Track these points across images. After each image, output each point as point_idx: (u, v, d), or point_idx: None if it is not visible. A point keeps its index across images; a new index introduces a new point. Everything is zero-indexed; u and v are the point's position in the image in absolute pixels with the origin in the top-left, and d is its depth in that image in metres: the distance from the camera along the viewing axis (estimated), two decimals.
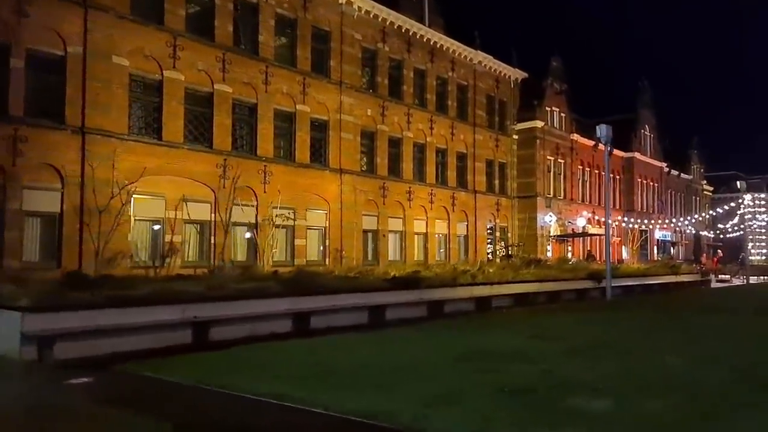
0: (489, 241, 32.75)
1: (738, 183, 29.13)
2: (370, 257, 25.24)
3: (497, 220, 33.09)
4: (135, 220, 17.35)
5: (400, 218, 26.84)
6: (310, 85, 22.63)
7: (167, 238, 17.75)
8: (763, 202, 40.23)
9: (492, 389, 5.14)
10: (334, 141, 23.60)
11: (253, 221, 20.38)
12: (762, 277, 35.59)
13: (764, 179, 75.00)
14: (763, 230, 41.16)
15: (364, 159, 25.67)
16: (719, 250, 45.48)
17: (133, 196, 17.19)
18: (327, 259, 22.90)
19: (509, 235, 33.91)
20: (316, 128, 23.26)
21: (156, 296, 7.96)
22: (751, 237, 40.54)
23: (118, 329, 7.16)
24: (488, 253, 32.23)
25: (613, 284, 19.28)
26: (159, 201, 17.88)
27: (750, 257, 39.36)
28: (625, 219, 42.53)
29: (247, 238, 20.52)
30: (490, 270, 15.93)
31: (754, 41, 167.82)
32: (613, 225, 41.63)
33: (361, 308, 10.60)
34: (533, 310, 12.91)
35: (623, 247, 43.63)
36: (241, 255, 20.36)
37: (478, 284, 13.57)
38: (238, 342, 7.86)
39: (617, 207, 43.23)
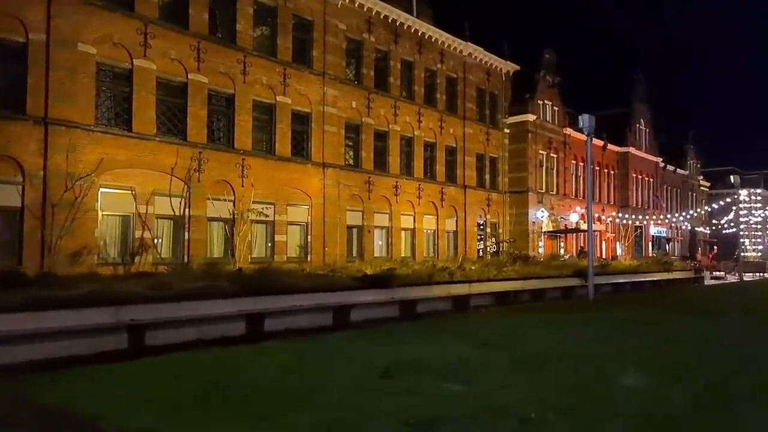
0: (479, 237, 32.10)
1: (732, 177, 28.45)
2: (354, 253, 24.58)
3: (488, 216, 32.43)
4: (103, 214, 16.65)
5: (386, 213, 26.16)
6: (291, 75, 21.90)
7: (137, 234, 17.13)
8: (759, 198, 39.56)
9: (394, 421, 4.21)
10: (316, 134, 22.89)
11: (230, 216, 19.71)
12: (758, 274, 35.03)
13: (762, 175, 74.54)
14: (759, 226, 40.51)
15: (349, 153, 24.96)
16: (714, 247, 44.88)
17: (101, 189, 16.54)
18: (309, 256, 22.22)
19: (500, 231, 33.27)
20: (297, 120, 22.54)
21: (89, 297, 7.28)
22: (746, 233, 39.91)
23: (35, 334, 6.50)
24: (479, 250, 31.62)
25: (602, 282, 18.67)
26: (129, 195, 17.17)
27: (745, 254, 38.76)
28: (620, 215, 41.94)
29: (226, 234, 19.82)
30: (472, 267, 15.28)
31: (753, 35, 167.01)
32: (607, 221, 41.05)
33: (325, 309, 9.96)
34: (510, 310, 12.27)
35: (617, 243, 43.05)
36: (217, 252, 19.67)
37: (455, 282, 12.93)
38: (178, 347, 7.21)
39: (612, 203, 42.64)
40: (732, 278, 32.35)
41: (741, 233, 40.75)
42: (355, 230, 24.96)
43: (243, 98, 20.27)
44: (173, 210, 17.99)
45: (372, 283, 11.00)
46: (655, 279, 21.72)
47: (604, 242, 41.38)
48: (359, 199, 24.74)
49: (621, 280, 19.39)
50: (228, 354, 6.64)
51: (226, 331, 8.33)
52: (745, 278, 32.19)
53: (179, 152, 18.33)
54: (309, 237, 22.44)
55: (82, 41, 16.27)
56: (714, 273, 31.14)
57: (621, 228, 42.64)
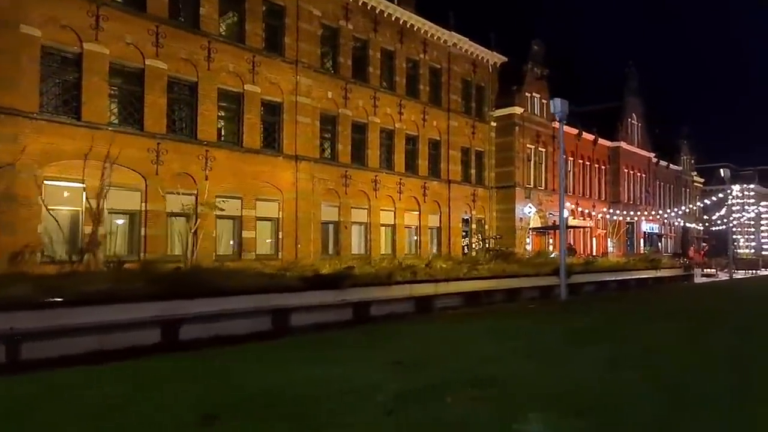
0: (464, 233, 31.09)
1: (722, 171, 27.46)
2: (330, 251, 23.53)
3: (473, 212, 31.41)
4: (48, 209, 15.52)
5: (365, 209, 25.10)
6: (261, 63, 20.78)
7: (88, 230, 16.00)
8: (752, 193, 38.65)
9: None
10: (289, 125, 21.79)
11: (193, 211, 18.61)
12: (750, 272, 34.12)
13: (756, 171, 73.75)
14: (753, 222, 39.60)
15: (325, 145, 23.88)
16: (704, 243, 43.95)
17: (45, 182, 15.44)
18: (280, 253, 21.15)
19: (486, 227, 32.27)
20: (268, 111, 21.45)
21: None
22: (739, 230, 39.01)
23: None
24: (464, 246, 30.61)
25: (584, 280, 17.67)
26: (78, 188, 16.07)
27: (738, 250, 37.84)
28: (611, 211, 40.94)
29: (193, 231, 18.72)
30: (443, 265, 14.25)
31: (748, 29, 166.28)
32: (598, 217, 40.08)
33: (263, 313, 8.91)
34: (472, 313, 11.23)
35: (608, 239, 42.08)
36: (178, 249, 18.52)
37: (419, 282, 11.90)
38: (67, 361, 6.16)
39: (603, 198, 41.64)
40: (724, 276, 31.41)
41: (734, 230, 39.87)
42: (331, 226, 23.91)
43: (207, 86, 19.16)
44: (129, 205, 16.96)
45: (320, 284, 9.96)
46: (642, 277, 20.72)
47: (594, 239, 40.41)
48: (335, 193, 23.68)
49: (605, 278, 18.38)
50: (93, 374, 5.40)
51: (137, 340, 7.29)
52: (737, 276, 31.27)
53: (135, 143, 17.24)
54: (280, 233, 21.37)
55: (26, 23, 15.14)
56: (705, 270, 30.21)
57: (611, 224, 41.70)
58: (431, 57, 28.87)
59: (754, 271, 33.93)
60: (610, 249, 41.48)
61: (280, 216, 21.41)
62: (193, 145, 18.73)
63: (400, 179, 26.66)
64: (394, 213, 26.44)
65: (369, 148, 25.39)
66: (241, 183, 20.05)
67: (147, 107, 17.62)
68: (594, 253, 37.72)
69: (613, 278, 19.13)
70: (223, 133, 20.02)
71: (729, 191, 38.73)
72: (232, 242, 20.06)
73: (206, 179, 18.89)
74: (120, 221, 17.39)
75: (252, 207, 20.45)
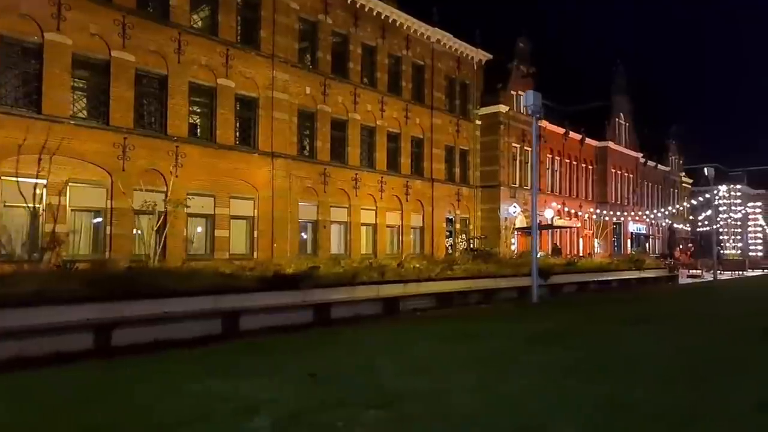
0: (448, 233, 30.60)
1: (706, 170, 27.14)
2: (309, 250, 22.96)
3: (457, 211, 30.93)
4: (5, 206, 14.86)
5: (345, 208, 24.54)
6: (236, 57, 20.18)
7: (49, 228, 15.35)
8: (739, 194, 38.48)
9: None
10: (264, 121, 21.19)
11: (155, 209, 17.97)
12: (737, 273, 33.89)
13: (745, 172, 73.92)
14: (739, 223, 39.45)
15: (303, 142, 23.30)
16: (690, 244, 43.73)
17: (2, 177, 14.76)
18: (255, 253, 20.54)
19: (471, 227, 31.80)
20: (242, 106, 20.86)
21: None
22: (725, 230, 38.83)
23: None
24: (448, 246, 30.12)
25: (564, 281, 17.22)
26: (38, 184, 15.37)
27: (724, 251, 37.65)
28: (598, 211, 40.65)
29: (155, 230, 18.08)
30: (417, 265, 13.74)
31: (741, 28, 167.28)
32: (585, 217, 39.77)
33: (213, 315, 8.34)
34: (437, 315, 10.71)
35: (595, 240, 41.79)
36: (146, 248, 17.90)
37: (387, 282, 11.37)
38: None
39: (590, 198, 41.36)
40: (710, 276, 31.12)
41: (720, 231, 39.68)
42: (309, 225, 23.33)
43: (178, 80, 18.53)
44: (94, 202, 16.30)
45: (279, 284, 9.40)
46: (624, 278, 20.31)
47: (581, 239, 40.10)
48: (314, 191, 23.09)
49: (586, 279, 17.94)
50: None
51: (66, 345, 6.70)
52: (722, 277, 31.01)
53: (100, 137, 16.59)
54: (255, 232, 20.75)
55: None
56: (691, 271, 29.87)
57: (597, 224, 41.43)
58: (414, 53, 28.36)
59: (740, 273, 33.67)
60: (596, 249, 41.21)
61: (256, 214, 20.81)
62: (163, 140, 18.09)
63: (382, 178, 26.12)
64: (376, 212, 25.90)
65: (349, 146, 24.84)
66: (214, 180, 19.44)
67: (113, 101, 16.97)
68: (581, 254, 37.39)
69: (595, 279, 18.69)
70: (194, 129, 19.38)
71: (716, 192, 38.48)
72: (204, 241, 19.42)
73: (176, 176, 18.23)
74: (95, 220, 16.74)
75: (226, 205, 19.84)
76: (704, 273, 31.44)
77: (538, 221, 33.92)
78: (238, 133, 20.64)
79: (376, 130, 26.11)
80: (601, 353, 6.55)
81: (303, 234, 23.05)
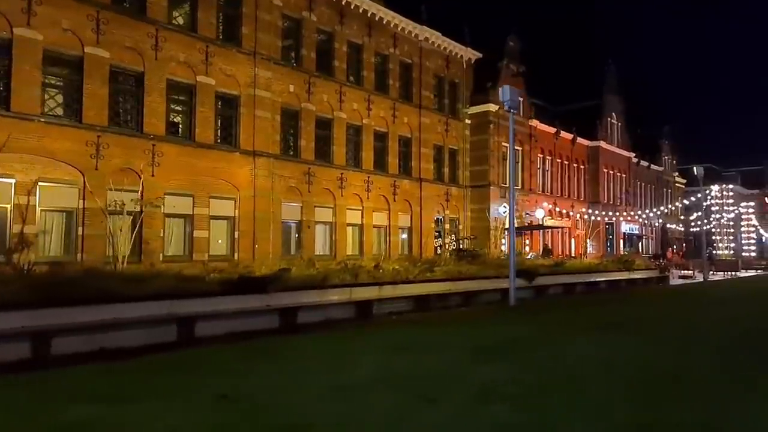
0: (437, 234, 30.21)
1: (695, 169, 26.81)
2: (293, 251, 22.51)
3: (447, 212, 30.54)
4: None
5: (330, 208, 24.11)
6: (216, 54, 19.73)
7: (17, 228, 14.88)
8: (731, 193, 38.21)
9: None
10: (246, 119, 20.75)
11: (134, 209, 17.53)
12: (730, 273, 33.56)
13: (739, 172, 73.75)
14: (732, 223, 39.17)
15: (286, 141, 22.86)
16: (683, 244, 43.41)
17: None
18: (236, 254, 20.09)
19: (461, 227, 31.41)
20: (223, 104, 20.43)
21: None
22: (718, 230, 38.57)
23: None
24: (436, 247, 29.72)
25: (549, 282, 16.83)
26: (6, 184, 14.92)
27: (717, 252, 37.35)
28: (589, 211, 40.32)
29: (124, 230, 17.62)
30: (396, 266, 13.32)
31: (738, 27, 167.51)
32: (576, 217, 39.45)
33: (167, 321, 7.90)
34: (412, 319, 10.28)
35: (587, 240, 41.46)
36: (120, 249, 17.44)
37: (361, 285, 10.95)
38: None
39: (582, 198, 41.03)
40: (702, 277, 30.81)
41: (713, 231, 39.42)
42: (293, 226, 22.89)
43: (155, 77, 18.07)
44: (65, 202, 15.82)
45: (244, 288, 8.97)
46: (613, 279, 19.94)
47: (573, 239, 39.77)
48: (297, 191, 22.66)
49: (573, 280, 17.56)
50: None
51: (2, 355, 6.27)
52: (714, 277, 30.68)
53: (73, 135, 16.12)
54: (236, 233, 20.30)
55: None
56: (682, 272, 29.50)
57: (586, 224, 41.11)
58: (402, 51, 27.97)
59: (733, 273, 33.36)
60: (589, 250, 40.89)
61: (236, 215, 20.36)
62: (139, 138, 17.64)
63: (368, 177, 25.71)
64: (362, 212, 25.48)
65: (335, 145, 24.41)
66: (193, 180, 18.99)
67: (86, 98, 16.50)
68: (573, 254, 37.07)
69: (583, 280, 18.31)
70: (173, 127, 18.91)
71: (708, 191, 38.32)
72: (182, 243, 18.95)
73: (152, 175, 17.80)
74: (63, 220, 16.25)
75: (205, 205, 19.38)
76: (696, 274, 31.11)
77: (529, 221, 33.95)
78: (218, 132, 20.21)
79: (362, 129, 25.70)
80: (545, 371, 5.94)
81: (288, 234, 22.61)
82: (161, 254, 17.96)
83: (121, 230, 14.71)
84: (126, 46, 17.42)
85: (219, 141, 20.15)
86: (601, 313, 10.81)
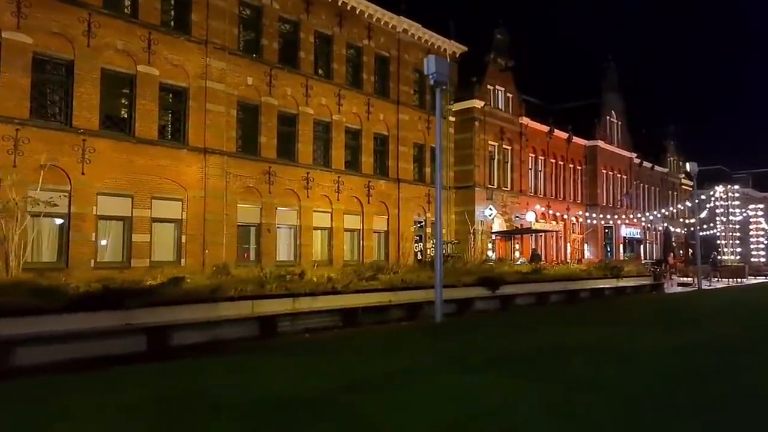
0: (417, 238, 28.39)
1: (688, 165, 24.74)
2: (252, 256, 20.84)
3: (428, 214, 28.69)
4: None
5: (294, 210, 22.41)
6: (160, 42, 18.15)
7: None
8: (737, 195, 35.98)
9: None
10: (196, 113, 19.13)
11: (66, 211, 15.95)
12: (736, 280, 31.32)
13: (750, 174, 71.14)
14: (738, 227, 36.92)
15: (244, 137, 21.21)
16: (690, 249, 41.14)
17: None
18: (183, 260, 18.43)
19: (444, 231, 29.50)
20: (169, 96, 18.84)
21: None
22: (723, 234, 36.32)
23: None
24: (416, 252, 27.91)
25: (518, 291, 14.95)
26: None
27: (722, 257, 35.11)
28: (587, 214, 38.30)
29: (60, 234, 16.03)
30: (332, 274, 11.57)
31: (748, 23, 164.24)
32: (571, 220, 37.44)
33: None
34: (320, 339, 8.54)
35: (585, 245, 39.39)
36: (48, 255, 15.87)
37: (267, 297, 9.22)
38: None
39: (579, 200, 39.00)
40: (706, 284, 28.67)
41: (718, 234, 37.20)
42: (252, 229, 21.19)
43: (87, 66, 16.50)
44: None
45: (93, 303, 7.29)
46: (598, 287, 18.01)
47: (569, 244, 37.71)
48: (256, 192, 20.98)
49: (548, 289, 15.66)
50: None
51: None
52: (718, 285, 28.50)
53: None
54: (183, 237, 18.63)
55: None
56: (682, 279, 27.30)
57: (589, 228, 39.05)
58: (377, 44, 26.26)
59: (739, 280, 31.13)
60: (587, 255, 38.82)
61: (184, 217, 18.71)
62: (67, 133, 16.06)
63: (339, 177, 23.97)
64: (331, 215, 23.74)
65: (300, 142, 22.72)
66: (131, 179, 17.38)
67: (3, 88, 14.96)
68: (568, 260, 35.01)
69: (559, 289, 16.40)
70: (108, 121, 17.30)
71: (712, 193, 36.15)
72: (120, 248, 17.31)
73: (83, 173, 16.20)
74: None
75: (146, 206, 17.75)
76: (695, 280, 28.95)
77: (519, 225, 32.01)
78: (162, 127, 18.61)
79: (332, 125, 24.00)
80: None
81: (245, 239, 20.92)
82: (92, 260, 16.34)
83: (15, 233, 12.98)
84: (53, 32, 15.88)
85: (163, 136, 18.55)
86: (520, 337, 8.80)
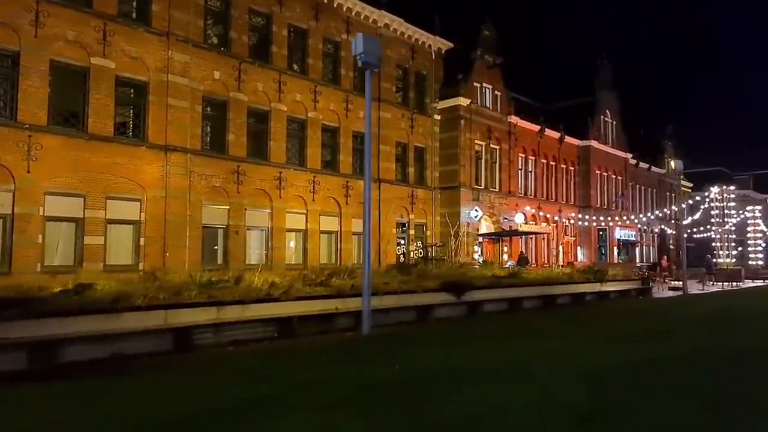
0: (400, 240, 27.39)
1: (673, 162, 23.70)
2: (219, 260, 19.84)
3: (412, 216, 27.71)
4: None
5: (266, 211, 21.42)
6: (116, 33, 17.20)
7: None
8: (733, 196, 34.85)
9: None
10: (157, 109, 18.17)
11: (10, 211, 15.01)
12: (733, 284, 30.21)
13: (751, 175, 69.91)
14: (734, 228, 35.77)
15: (210, 135, 20.27)
16: (678, 253, 39.94)
17: None
18: (141, 263, 17.45)
19: (429, 233, 28.54)
20: (126, 91, 17.92)
21: None
22: (718, 236, 35.19)
23: None
24: (399, 255, 26.90)
25: (486, 297, 13.89)
26: None
27: (716, 260, 33.97)
28: (580, 215, 37.21)
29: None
30: (276, 280, 10.56)
31: (757, 24, 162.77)
32: (563, 222, 36.36)
33: None
34: (240, 353, 7.56)
35: (578, 247, 38.31)
36: None
37: (187, 306, 8.22)
38: None
39: (572, 202, 37.91)
40: (698, 288, 27.57)
41: (714, 237, 36.08)
42: (220, 231, 20.21)
43: (34, 58, 15.57)
44: None
45: None
46: (578, 292, 16.96)
47: (561, 246, 36.61)
48: (224, 192, 20.00)
49: (519, 294, 14.60)
50: None
51: None
52: (712, 289, 27.41)
53: None
54: (142, 239, 17.65)
55: None
56: (672, 283, 26.13)
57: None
58: None
59: (735, 284, 29.99)
60: (580, 258, 37.71)
61: (142, 218, 17.73)
62: (11, 128, 15.12)
63: (314, 177, 22.98)
64: (306, 216, 22.74)
65: (272, 140, 21.75)
66: (84, 177, 16.43)
67: None
68: (555, 263, 33.90)
69: (536, 294, 15.35)
70: (58, 116, 16.35)
71: (706, 194, 35.00)
72: (71, 250, 16.34)
73: (28, 171, 15.25)
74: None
75: (100, 207, 16.78)
76: (686, 284, 27.87)
77: (508, 227, 30.91)
78: (119, 122, 17.67)
79: (307, 122, 23.02)
80: None
81: (212, 241, 19.94)
82: (39, 264, 15.38)
83: None
84: None
85: (121, 133, 17.60)
86: (437, 354, 7.56)
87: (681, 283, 24.54)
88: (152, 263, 17.43)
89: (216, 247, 20.10)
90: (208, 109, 20.01)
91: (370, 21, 25.79)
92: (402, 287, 12.00)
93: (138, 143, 17.75)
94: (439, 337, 9.42)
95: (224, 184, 19.95)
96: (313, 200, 22.97)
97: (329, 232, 23.95)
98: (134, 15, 18.03)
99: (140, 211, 17.70)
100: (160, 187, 18.03)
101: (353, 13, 25.01)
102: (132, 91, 18.00)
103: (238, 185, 20.33)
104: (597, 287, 18.08)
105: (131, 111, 18.16)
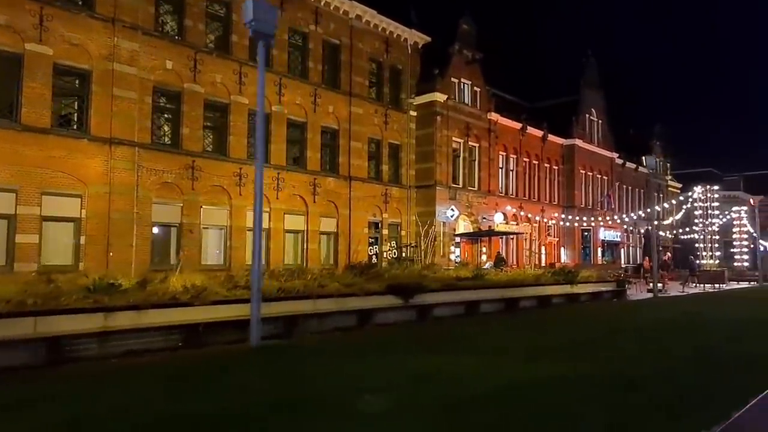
0: (372, 240, 26.36)
1: (644, 159, 22.77)
2: (172, 260, 18.71)
3: (385, 215, 26.69)
4: None
5: (224, 209, 20.36)
6: (55, 18, 16.12)
7: None
8: (716, 196, 34.00)
9: None
10: (101, 99, 17.08)
11: None
12: (716, 286, 29.26)
13: (741, 176, 69.36)
14: (718, 229, 34.92)
15: (162, 128, 19.20)
16: (667, 254, 39.12)
17: None
18: (81, 263, 16.35)
19: (403, 233, 27.53)
20: (66, 80, 16.81)
21: None
22: (702, 237, 34.33)
23: None
24: (371, 256, 25.86)
25: (440, 300, 12.88)
26: None
27: (699, 261, 33.09)
28: (563, 215, 36.27)
29: None
30: (197, 282, 9.52)
31: (745, 28, 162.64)
32: (546, 222, 35.40)
33: None
34: (122, 366, 6.54)
35: (562, 248, 37.38)
36: None
37: (62, 312, 7.14)
38: None
39: (555, 202, 36.97)
40: (679, 290, 26.62)
41: (697, 237, 35.22)
42: (173, 230, 19.13)
43: None
44: None
45: None
46: (546, 295, 15.97)
47: (544, 247, 35.67)
48: (177, 189, 18.93)
49: (476, 297, 13.58)
50: None
51: None
52: (691, 291, 26.49)
53: None
54: (82, 238, 16.55)
55: None
56: (651, 285, 25.15)
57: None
58: (326, 30, 24.27)
59: (718, 286, 29.09)
60: (563, 259, 36.78)
61: (83, 215, 16.63)
62: None
63: (279, 174, 21.93)
64: (270, 214, 21.64)
65: (232, 135, 20.71)
66: (16, 171, 15.33)
67: None
68: (541, 264, 32.96)
69: (497, 297, 14.34)
70: None
71: (690, 194, 34.18)
72: (10, 247, 15.24)
73: None
74: None
75: (35, 203, 15.68)
76: (666, 286, 26.94)
77: (487, 226, 29.90)
78: (57, 113, 16.56)
79: (271, 117, 21.92)
80: None
81: (163, 241, 18.85)
82: None
83: None
84: None
85: (58, 124, 16.50)
86: (292, 379, 6.58)
87: (659, 285, 23.60)
88: (94, 264, 16.34)
89: (167, 248, 19.01)
90: (160, 100, 18.95)
91: (341, 12, 24.78)
92: (342, 290, 10.96)
93: (79, 136, 16.66)
94: (335, 350, 8.32)
95: (177, 180, 18.88)
96: (278, 198, 21.92)
97: (295, 232, 22.91)
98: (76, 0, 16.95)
99: (81, 208, 16.60)
100: (103, 182, 16.94)
101: (322, 3, 23.99)
102: (73, 80, 16.90)
103: (193, 181, 19.26)
104: (567, 289, 17.09)
105: (73, 102, 17.06)
